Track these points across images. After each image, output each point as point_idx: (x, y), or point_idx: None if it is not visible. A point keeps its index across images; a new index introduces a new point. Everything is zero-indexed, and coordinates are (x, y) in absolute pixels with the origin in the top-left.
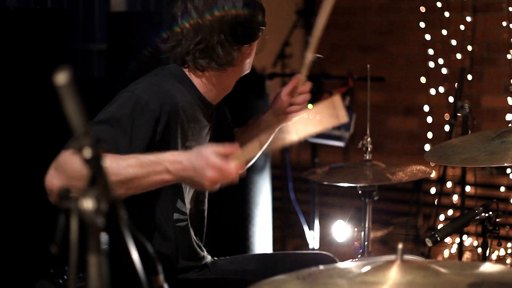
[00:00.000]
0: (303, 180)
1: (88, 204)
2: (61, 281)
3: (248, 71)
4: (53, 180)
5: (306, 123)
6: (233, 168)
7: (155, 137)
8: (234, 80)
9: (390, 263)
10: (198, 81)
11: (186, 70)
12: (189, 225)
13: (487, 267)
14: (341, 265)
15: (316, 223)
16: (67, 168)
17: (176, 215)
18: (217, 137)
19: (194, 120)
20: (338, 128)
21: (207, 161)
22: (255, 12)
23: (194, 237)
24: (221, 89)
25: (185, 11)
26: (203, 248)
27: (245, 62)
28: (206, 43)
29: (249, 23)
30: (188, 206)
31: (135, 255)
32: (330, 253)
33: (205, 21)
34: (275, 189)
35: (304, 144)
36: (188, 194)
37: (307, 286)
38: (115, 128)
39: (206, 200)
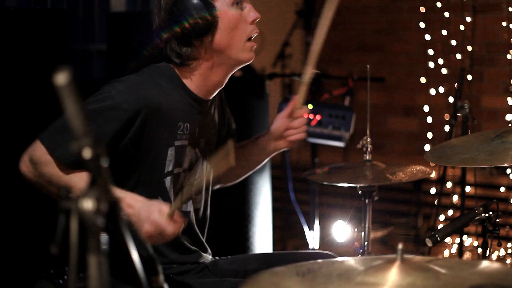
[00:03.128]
0: (303, 181)
1: (88, 204)
2: (61, 281)
3: (239, 65)
4: (25, 170)
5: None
6: (170, 229)
7: (124, 135)
8: (224, 75)
9: (390, 263)
10: (187, 78)
11: (175, 68)
12: None
13: (487, 266)
14: (339, 261)
15: (316, 223)
16: (44, 171)
17: None
18: (213, 127)
19: (184, 118)
20: (338, 128)
21: (149, 215)
22: (197, 4)
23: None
24: (211, 85)
25: (155, 12)
26: (197, 248)
27: (223, 54)
28: (165, 40)
29: (188, 20)
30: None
31: (135, 255)
32: (332, 253)
33: (160, 19)
34: (275, 189)
35: (304, 144)
36: (173, 194)
37: (306, 285)
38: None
39: (191, 202)
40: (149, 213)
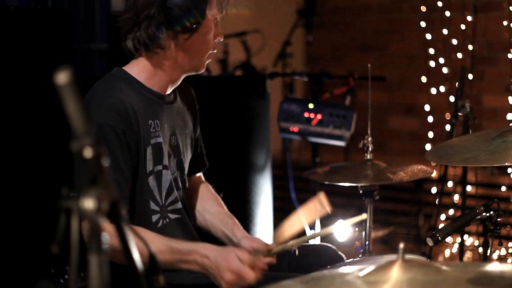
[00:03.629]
0: (304, 180)
1: (89, 203)
2: (62, 280)
3: (192, 72)
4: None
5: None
6: (251, 275)
7: (131, 147)
8: (178, 73)
9: (391, 262)
10: (142, 77)
11: (128, 70)
12: (167, 223)
13: (490, 267)
14: (344, 269)
15: (317, 222)
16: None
17: (154, 217)
18: (183, 119)
19: (153, 116)
20: (339, 127)
21: (228, 264)
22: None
23: (175, 235)
24: (166, 80)
25: None
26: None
27: (188, 57)
28: (138, 17)
29: (179, 9)
30: (162, 203)
31: (135, 254)
32: (332, 245)
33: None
34: (276, 188)
35: (305, 143)
36: (158, 193)
37: (310, 287)
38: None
39: (179, 201)
40: (227, 261)
